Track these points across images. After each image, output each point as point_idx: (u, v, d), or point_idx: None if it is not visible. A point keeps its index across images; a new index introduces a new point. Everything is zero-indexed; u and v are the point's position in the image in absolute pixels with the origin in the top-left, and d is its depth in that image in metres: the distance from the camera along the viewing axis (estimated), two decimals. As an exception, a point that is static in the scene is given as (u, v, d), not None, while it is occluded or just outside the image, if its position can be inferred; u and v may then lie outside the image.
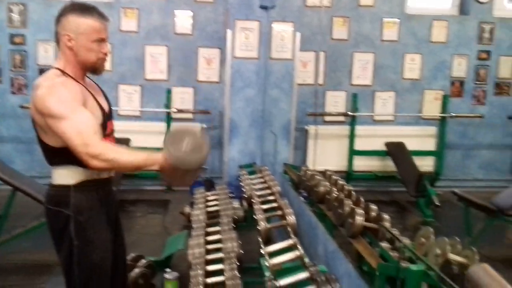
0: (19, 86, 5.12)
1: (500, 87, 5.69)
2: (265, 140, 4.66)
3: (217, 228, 2.87)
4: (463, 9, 5.60)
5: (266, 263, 1.79)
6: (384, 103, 5.56)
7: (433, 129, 5.50)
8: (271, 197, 2.85)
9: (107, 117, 1.85)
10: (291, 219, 2.33)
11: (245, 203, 4.03)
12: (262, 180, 3.30)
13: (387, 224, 2.39)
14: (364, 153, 5.33)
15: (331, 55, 5.36)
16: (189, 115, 5.32)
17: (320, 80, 5.30)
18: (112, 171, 1.85)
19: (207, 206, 3.30)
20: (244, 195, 3.20)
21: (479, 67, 5.63)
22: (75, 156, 1.67)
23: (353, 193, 3.00)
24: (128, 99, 5.22)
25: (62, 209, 1.74)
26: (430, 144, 5.49)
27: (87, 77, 1.88)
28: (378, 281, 1.93)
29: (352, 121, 5.26)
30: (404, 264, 2.03)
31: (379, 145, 5.32)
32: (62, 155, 1.72)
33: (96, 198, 1.81)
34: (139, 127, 5.11)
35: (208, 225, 2.95)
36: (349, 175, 5.20)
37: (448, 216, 4.47)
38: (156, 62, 5.26)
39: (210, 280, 2.28)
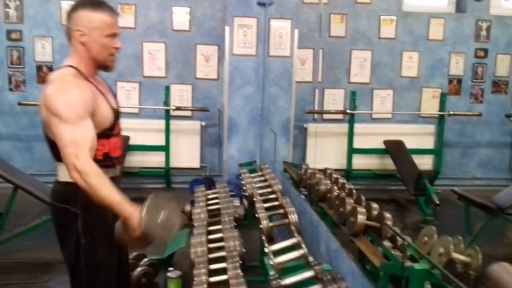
0: (17, 83, 5.10)
1: (498, 85, 5.71)
2: (264, 138, 4.66)
3: (218, 227, 2.87)
4: (459, 7, 5.62)
5: (271, 262, 1.79)
6: (383, 101, 5.57)
7: (431, 127, 5.52)
8: (273, 196, 2.85)
9: (116, 117, 1.84)
10: (294, 217, 2.34)
11: (245, 202, 4.05)
12: (263, 178, 3.31)
13: (389, 223, 2.40)
14: (363, 151, 5.33)
15: (328, 53, 5.36)
16: (188, 113, 5.31)
17: (319, 78, 5.31)
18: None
19: (208, 205, 3.30)
20: (245, 193, 3.19)
21: (477, 65, 5.65)
22: None
23: (354, 191, 3.01)
24: (127, 96, 5.21)
25: (70, 206, 1.74)
26: (428, 142, 5.51)
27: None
28: (381, 280, 1.94)
29: (351, 119, 5.27)
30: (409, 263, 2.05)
31: (378, 143, 5.33)
32: None
33: None
34: (138, 125, 5.10)
35: (210, 224, 2.95)
36: (348, 173, 5.21)
37: (448, 214, 4.48)
38: (154, 59, 5.25)
39: (213, 279, 2.28)
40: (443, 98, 5.35)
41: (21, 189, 3.25)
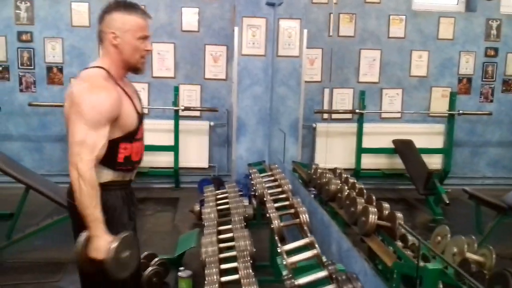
0: (27, 83, 5.13)
1: (508, 84, 5.67)
2: (272, 138, 4.66)
3: (228, 226, 2.88)
4: (469, 6, 5.58)
5: (284, 262, 1.79)
6: (392, 101, 5.55)
7: (441, 127, 5.49)
8: (283, 195, 2.85)
9: (141, 121, 1.85)
10: (305, 217, 2.33)
11: (254, 201, 4.05)
12: (272, 178, 3.31)
13: (398, 223, 2.40)
14: (372, 151, 5.32)
15: (337, 52, 5.35)
16: (197, 113, 5.33)
17: (327, 78, 5.30)
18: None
19: (218, 204, 3.30)
20: (255, 193, 3.20)
21: (487, 64, 5.61)
22: (104, 156, 1.69)
23: (365, 191, 3.00)
24: (136, 96, 5.21)
25: None
26: (438, 142, 5.48)
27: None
28: (394, 280, 1.93)
29: (360, 119, 5.25)
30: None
31: (386, 143, 5.31)
32: None
33: (120, 198, 1.83)
34: (147, 125, 5.04)
35: (220, 223, 2.96)
36: (357, 172, 5.19)
37: (458, 214, 4.46)
38: (163, 60, 5.27)
39: (225, 278, 2.28)
40: (452, 97, 5.32)
41: (33, 190, 3.27)
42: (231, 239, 2.68)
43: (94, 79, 1.72)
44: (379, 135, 5.39)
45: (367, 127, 5.28)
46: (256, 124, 4.68)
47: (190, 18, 5.24)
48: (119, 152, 1.77)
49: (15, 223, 3.32)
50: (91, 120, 1.65)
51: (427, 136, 5.46)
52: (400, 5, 5.45)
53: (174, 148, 5.14)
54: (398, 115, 5.59)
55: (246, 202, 3.95)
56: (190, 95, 5.30)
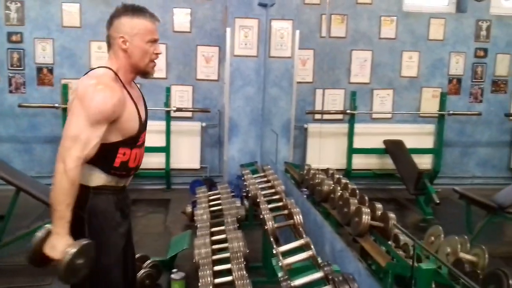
0: (17, 85, 5.08)
1: (497, 85, 5.73)
2: (264, 138, 4.66)
3: (221, 228, 2.87)
4: (460, 7, 5.63)
5: (280, 263, 1.79)
6: (382, 101, 5.58)
7: (431, 127, 5.54)
8: (276, 196, 2.85)
9: (143, 129, 1.82)
10: (299, 218, 2.33)
11: (246, 202, 4.05)
12: (265, 179, 3.31)
13: (392, 223, 2.41)
14: (363, 151, 5.35)
15: (329, 53, 5.37)
16: (188, 114, 5.31)
17: (319, 78, 5.32)
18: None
19: (210, 206, 3.30)
20: (248, 194, 3.19)
21: (476, 64, 5.67)
22: (100, 158, 1.69)
23: (357, 191, 3.02)
24: (127, 97, 5.19)
25: (77, 209, 1.73)
26: (428, 142, 5.53)
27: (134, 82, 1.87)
28: (388, 280, 1.94)
29: (351, 119, 5.27)
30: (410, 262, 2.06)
31: (377, 143, 5.35)
32: None
33: (113, 202, 1.80)
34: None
35: (213, 225, 2.95)
36: (348, 173, 5.21)
37: (447, 213, 4.50)
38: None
39: (218, 280, 2.28)
40: (443, 97, 5.37)
41: (24, 192, 3.24)
42: (224, 241, 2.68)
43: (101, 77, 1.71)
44: (370, 135, 5.42)
45: (358, 127, 5.31)
46: (248, 125, 4.68)
47: (182, 18, 5.23)
48: (117, 156, 1.75)
49: (5, 225, 3.29)
50: (90, 116, 1.63)
51: (418, 137, 5.51)
52: (391, 6, 5.49)
53: (165, 149, 5.13)
54: (389, 115, 5.63)
55: (238, 203, 3.94)
56: (182, 96, 5.29)
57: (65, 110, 4.83)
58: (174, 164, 5.22)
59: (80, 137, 1.62)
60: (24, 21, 5.01)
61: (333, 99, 5.47)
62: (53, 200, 1.62)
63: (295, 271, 1.86)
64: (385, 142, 5.34)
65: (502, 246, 3.85)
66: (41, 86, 5.10)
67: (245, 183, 3.32)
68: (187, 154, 5.32)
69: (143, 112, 1.84)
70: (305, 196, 3.38)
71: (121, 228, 1.85)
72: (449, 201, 4.51)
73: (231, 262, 2.40)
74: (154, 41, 1.79)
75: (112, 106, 1.67)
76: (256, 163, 4.40)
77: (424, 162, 5.37)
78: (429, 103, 5.59)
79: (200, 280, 2.25)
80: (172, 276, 2.80)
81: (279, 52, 4.58)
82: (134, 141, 1.79)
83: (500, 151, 5.80)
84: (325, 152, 5.18)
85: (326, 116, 5.46)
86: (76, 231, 1.71)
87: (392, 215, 2.48)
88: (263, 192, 2.96)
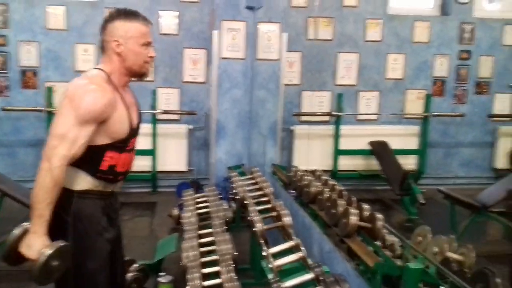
0: (1, 88, 5.00)
1: (480, 86, 5.82)
2: (252, 141, 4.66)
3: (209, 230, 2.87)
4: (444, 10, 5.70)
5: (270, 265, 1.79)
6: (368, 103, 5.63)
7: (415, 128, 5.60)
8: (265, 198, 2.85)
9: (133, 134, 1.81)
10: (288, 220, 2.34)
11: (233, 204, 4.05)
12: (253, 181, 3.31)
13: (380, 223, 2.43)
14: (349, 153, 5.39)
15: (315, 55, 5.39)
16: (175, 116, 5.29)
17: (305, 81, 5.35)
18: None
19: (198, 208, 3.29)
20: (236, 196, 3.19)
21: (460, 66, 5.75)
22: (86, 161, 1.67)
23: (345, 192, 3.03)
24: (113, 100, 5.15)
25: (62, 213, 1.71)
26: (413, 143, 5.59)
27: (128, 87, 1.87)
28: (376, 280, 1.96)
29: (337, 121, 5.31)
30: (399, 262, 2.08)
31: (363, 145, 5.39)
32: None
33: (99, 207, 1.79)
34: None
35: (200, 227, 2.95)
36: (333, 174, 5.24)
37: (432, 213, 4.55)
38: (141, 63, 5.20)
39: (207, 283, 2.27)
40: (427, 99, 5.43)
41: (7, 196, 3.20)
42: (212, 243, 2.68)
43: (94, 78, 1.71)
44: (355, 137, 5.46)
45: (344, 129, 5.34)
46: (235, 127, 4.67)
47: (169, 21, 5.21)
48: (104, 160, 1.73)
49: (-11, 230, 3.23)
50: (79, 115, 1.63)
51: (403, 138, 5.56)
52: (377, 9, 5.53)
53: (152, 152, 5.10)
54: (375, 117, 5.67)
55: (225, 205, 3.94)
56: (168, 99, 5.26)
57: (49, 113, 4.78)
58: (160, 167, 5.19)
59: (68, 136, 1.61)
60: (8, 23, 4.94)
61: (320, 101, 5.50)
62: (34, 197, 1.60)
63: (285, 272, 1.87)
64: (371, 143, 5.39)
65: (486, 245, 3.90)
66: (25, 89, 5.03)
67: (232, 185, 3.32)
68: (173, 156, 5.30)
69: (134, 117, 1.83)
70: (292, 197, 3.39)
71: (107, 233, 1.82)
72: (433, 201, 4.56)
73: (219, 265, 2.40)
74: (148, 44, 1.81)
75: (102, 106, 1.66)
76: (244, 166, 4.40)
77: (408, 162, 5.43)
78: (414, 104, 5.65)
79: (188, 283, 2.24)
80: (159, 279, 2.78)
81: (266, 54, 4.58)
82: (123, 145, 1.78)
83: (483, 152, 5.89)
84: (311, 154, 5.20)
85: (313, 118, 5.48)
86: (59, 234, 1.69)
87: (379, 215, 2.50)
88: (251, 194, 2.96)
